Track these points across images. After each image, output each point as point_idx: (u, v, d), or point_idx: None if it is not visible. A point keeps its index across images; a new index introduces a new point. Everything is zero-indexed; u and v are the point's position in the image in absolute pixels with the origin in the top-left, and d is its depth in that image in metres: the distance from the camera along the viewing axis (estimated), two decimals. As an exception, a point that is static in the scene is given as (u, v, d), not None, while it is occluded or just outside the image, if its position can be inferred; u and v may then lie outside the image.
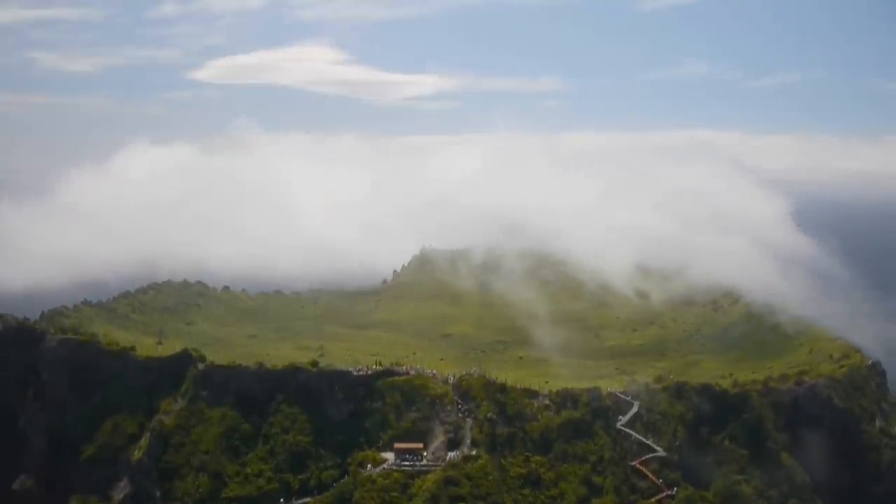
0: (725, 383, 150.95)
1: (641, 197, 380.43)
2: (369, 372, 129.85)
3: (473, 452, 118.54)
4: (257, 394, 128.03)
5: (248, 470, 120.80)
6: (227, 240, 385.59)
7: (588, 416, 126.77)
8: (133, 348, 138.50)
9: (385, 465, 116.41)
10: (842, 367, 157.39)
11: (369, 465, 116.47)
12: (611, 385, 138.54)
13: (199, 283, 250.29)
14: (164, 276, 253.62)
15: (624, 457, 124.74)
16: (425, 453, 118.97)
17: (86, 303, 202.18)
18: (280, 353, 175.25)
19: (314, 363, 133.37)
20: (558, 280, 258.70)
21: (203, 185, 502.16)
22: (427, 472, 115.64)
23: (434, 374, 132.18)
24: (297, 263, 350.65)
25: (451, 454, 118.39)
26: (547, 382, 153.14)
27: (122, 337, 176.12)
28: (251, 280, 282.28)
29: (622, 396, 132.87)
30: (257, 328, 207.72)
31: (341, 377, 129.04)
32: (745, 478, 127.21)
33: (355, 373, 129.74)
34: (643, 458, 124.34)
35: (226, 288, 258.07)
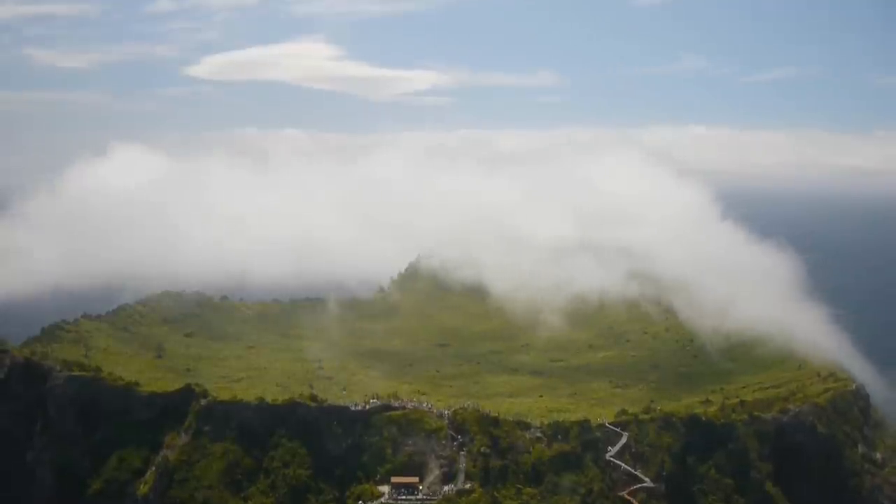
0: (716, 398, 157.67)
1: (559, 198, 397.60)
2: (367, 407, 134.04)
3: (467, 486, 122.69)
4: (258, 428, 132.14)
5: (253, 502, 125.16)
6: (183, 247, 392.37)
7: (578, 448, 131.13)
8: (137, 384, 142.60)
9: (382, 500, 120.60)
10: (827, 390, 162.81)
11: (360, 502, 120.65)
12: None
13: (196, 292, 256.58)
14: (138, 287, 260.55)
15: (612, 488, 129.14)
16: (421, 487, 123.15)
17: (86, 316, 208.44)
18: (279, 366, 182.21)
19: (313, 397, 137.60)
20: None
21: (166, 191, 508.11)
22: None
23: (430, 408, 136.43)
24: (269, 268, 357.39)
25: (445, 488, 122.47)
26: (541, 395, 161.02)
27: (122, 351, 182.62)
28: (220, 286, 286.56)
29: (613, 429, 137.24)
30: (256, 340, 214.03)
31: (340, 412, 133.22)
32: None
33: (353, 408, 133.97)
34: (631, 488, 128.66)
35: (224, 297, 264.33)
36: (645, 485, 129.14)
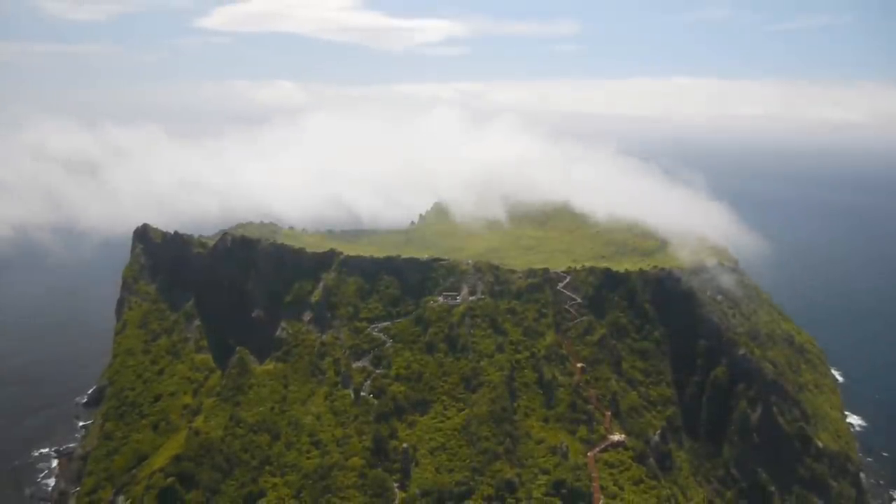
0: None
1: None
2: (430, 259, 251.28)
3: (481, 297, 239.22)
4: (371, 269, 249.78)
5: (370, 305, 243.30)
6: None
7: (541, 282, 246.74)
8: (303, 249, 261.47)
9: (438, 300, 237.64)
10: (698, 256, 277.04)
11: (431, 301, 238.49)
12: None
13: (271, 222, 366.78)
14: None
15: (558, 301, 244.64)
16: (458, 297, 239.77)
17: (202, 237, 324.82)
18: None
19: (398, 257, 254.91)
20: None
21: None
22: (459, 305, 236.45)
23: (464, 261, 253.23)
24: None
25: (470, 298, 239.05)
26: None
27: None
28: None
29: (562, 274, 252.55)
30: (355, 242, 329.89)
31: (414, 261, 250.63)
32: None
33: (422, 259, 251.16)
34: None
35: (290, 227, 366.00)
36: (576, 301, 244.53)
